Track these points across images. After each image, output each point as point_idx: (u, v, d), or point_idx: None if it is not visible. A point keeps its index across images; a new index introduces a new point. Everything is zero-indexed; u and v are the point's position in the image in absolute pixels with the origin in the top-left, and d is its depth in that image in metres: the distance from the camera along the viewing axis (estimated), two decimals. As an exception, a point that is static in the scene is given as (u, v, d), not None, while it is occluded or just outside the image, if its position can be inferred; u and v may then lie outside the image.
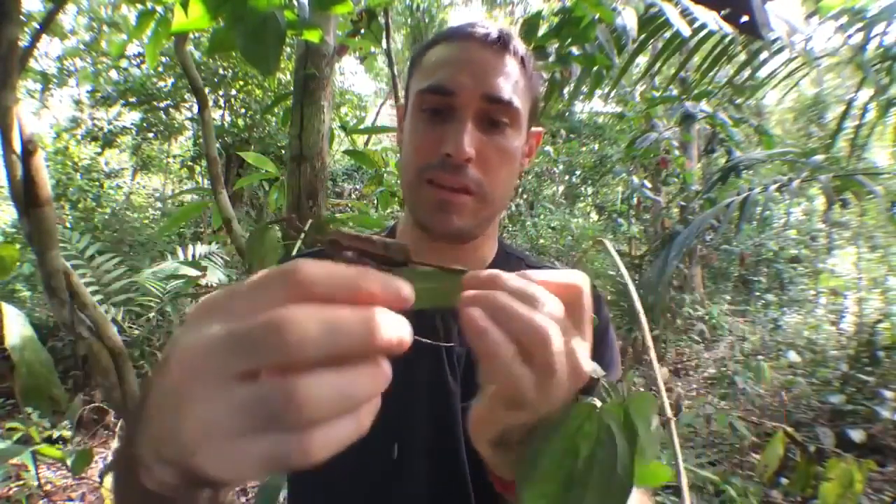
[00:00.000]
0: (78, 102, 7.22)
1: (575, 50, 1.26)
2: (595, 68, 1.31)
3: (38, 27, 1.23)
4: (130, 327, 3.73)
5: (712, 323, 5.50)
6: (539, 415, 0.34)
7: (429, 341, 0.59)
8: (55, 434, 2.93)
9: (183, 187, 8.60)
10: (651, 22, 1.36)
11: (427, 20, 9.57)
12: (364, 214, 2.01)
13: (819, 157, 1.88)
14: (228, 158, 6.78)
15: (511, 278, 0.32)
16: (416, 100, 0.59)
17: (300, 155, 1.58)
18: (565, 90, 1.50)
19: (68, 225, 5.14)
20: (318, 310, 0.23)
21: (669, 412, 0.37)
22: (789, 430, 1.32)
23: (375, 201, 2.07)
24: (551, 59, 1.26)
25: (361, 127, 2.13)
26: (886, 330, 3.75)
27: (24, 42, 1.07)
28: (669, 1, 1.18)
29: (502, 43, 0.58)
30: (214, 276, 3.89)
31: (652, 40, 1.51)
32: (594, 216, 8.66)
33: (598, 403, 0.35)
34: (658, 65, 1.70)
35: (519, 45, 0.60)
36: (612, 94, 4.48)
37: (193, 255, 4.23)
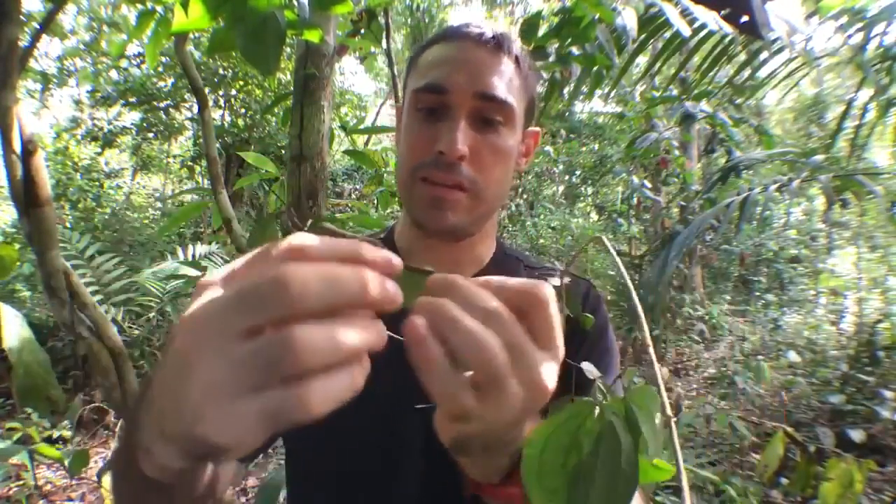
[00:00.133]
0: (78, 102, 7.21)
1: (575, 50, 1.26)
2: (595, 68, 1.31)
3: (38, 27, 1.23)
4: (130, 327, 3.73)
5: (712, 323, 5.50)
6: (495, 429, 0.32)
7: None
8: (55, 434, 2.93)
9: (183, 187, 8.60)
10: (651, 22, 1.36)
11: (427, 20, 9.57)
12: (364, 214, 2.01)
13: (819, 157, 1.87)
14: (228, 158, 6.77)
15: (466, 287, 0.30)
16: (411, 99, 0.60)
17: (300, 155, 1.58)
18: (565, 90, 1.50)
19: (68, 225, 5.14)
20: (317, 266, 0.25)
21: (669, 411, 0.37)
22: (789, 430, 1.32)
23: (375, 201, 2.07)
24: (551, 59, 1.26)
25: (361, 127, 2.13)
26: (886, 330, 3.75)
27: (24, 42, 1.07)
28: (669, 1, 1.18)
29: (497, 42, 0.58)
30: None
31: (652, 40, 1.51)
32: (594, 216, 8.66)
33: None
34: (658, 65, 1.70)
35: (514, 44, 0.60)
36: (612, 94, 4.48)
37: (193, 255, 4.23)
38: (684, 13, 1.14)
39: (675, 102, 2.44)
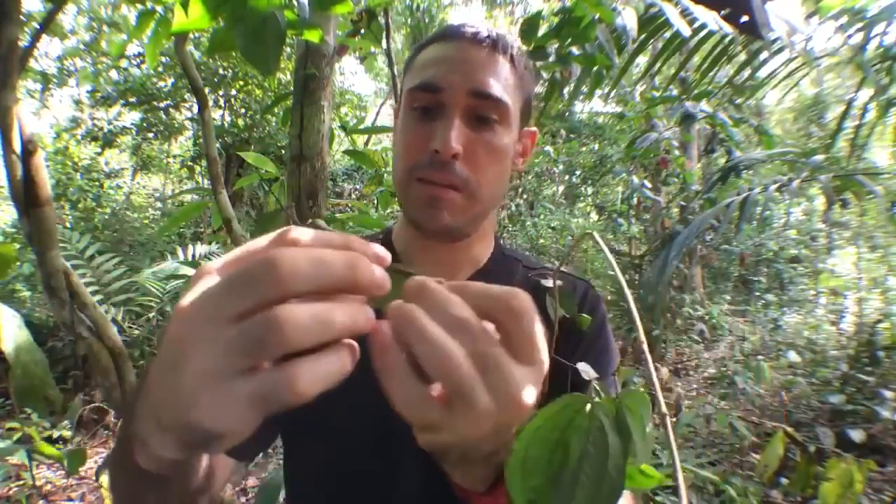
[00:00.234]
0: (78, 102, 7.21)
1: (575, 50, 1.26)
2: (595, 68, 1.31)
3: (38, 27, 1.23)
4: (130, 327, 3.73)
5: (712, 323, 5.50)
6: (469, 442, 0.30)
7: None
8: (55, 434, 2.93)
9: (183, 187, 8.60)
10: (651, 22, 1.35)
11: (427, 20, 9.57)
12: (364, 214, 2.01)
13: (819, 157, 1.87)
14: (228, 158, 6.77)
15: (437, 292, 0.28)
16: (406, 98, 0.60)
17: (300, 155, 1.58)
18: (565, 90, 1.50)
19: (68, 225, 5.15)
20: (307, 249, 0.25)
21: (665, 410, 0.37)
22: (789, 430, 1.32)
23: (375, 201, 2.07)
24: (551, 59, 1.26)
25: (361, 127, 2.13)
26: (886, 330, 3.75)
27: (24, 42, 1.07)
28: (669, 1, 1.18)
29: (492, 42, 0.58)
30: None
31: (652, 40, 1.51)
32: (594, 216, 8.66)
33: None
34: (658, 65, 1.70)
35: (509, 44, 0.60)
36: (612, 94, 4.48)
37: (193, 255, 4.23)
38: (684, 13, 1.14)
39: (675, 102, 2.44)
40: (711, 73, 1.87)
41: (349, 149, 1.92)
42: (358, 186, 7.87)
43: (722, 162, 3.35)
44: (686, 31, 1.13)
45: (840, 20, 1.76)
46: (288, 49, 4.20)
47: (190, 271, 3.55)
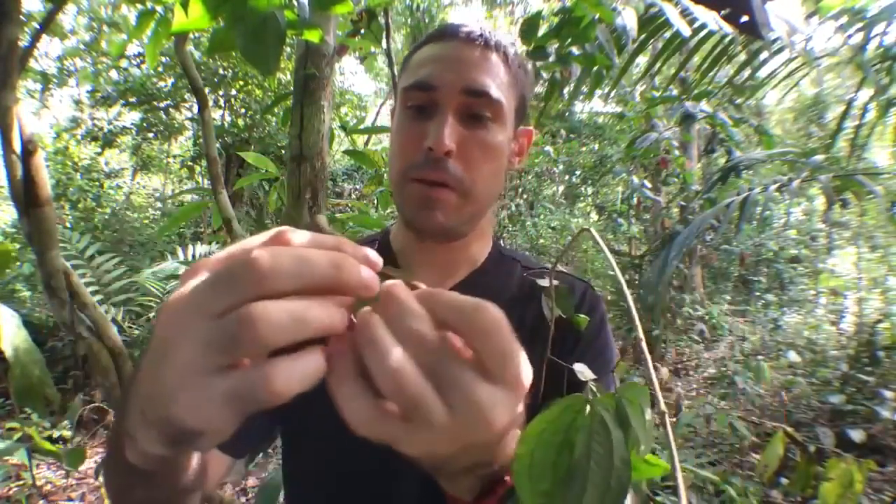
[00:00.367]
0: (78, 102, 7.21)
1: (575, 50, 1.26)
2: (595, 68, 1.31)
3: (38, 27, 1.23)
4: (130, 327, 3.73)
5: (712, 323, 5.50)
6: (436, 457, 0.29)
7: None
8: (55, 434, 2.93)
9: (183, 187, 8.59)
10: (651, 22, 1.36)
11: (427, 20, 9.57)
12: (364, 214, 2.01)
13: (819, 157, 1.87)
14: (228, 158, 6.77)
15: (399, 301, 0.27)
16: (401, 97, 0.60)
17: (300, 155, 1.58)
18: (565, 90, 1.50)
19: (68, 225, 5.15)
20: (293, 248, 0.25)
21: (664, 407, 0.37)
22: (789, 430, 1.32)
23: (375, 201, 2.07)
24: (551, 59, 1.26)
25: (361, 127, 2.13)
26: (886, 330, 3.75)
27: (24, 42, 1.07)
28: (669, 1, 1.18)
29: (484, 40, 0.59)
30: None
31: (652, 40, 1.51)
32: (594, 216, 8.66)
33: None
34: (658, 65, 1.70)
35: (503, 42, 0.60)
36: (612, 94, 4.48)
37: (193, 255, 4.23)
38: (684, 13, 1.14)
39: (675, 102, 2.44)
40: (711, 73, 1.87)
41: (349, 149, 1.92)
42: (358, 186, 7.86)
43: (722, 162, 3.35)
44: (686, 31, 1.13)
45: (840, 20, 1.76)
46: (288, 49, 4.20)
47: (190, 271, 3.55)
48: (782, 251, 7.10)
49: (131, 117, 7.23)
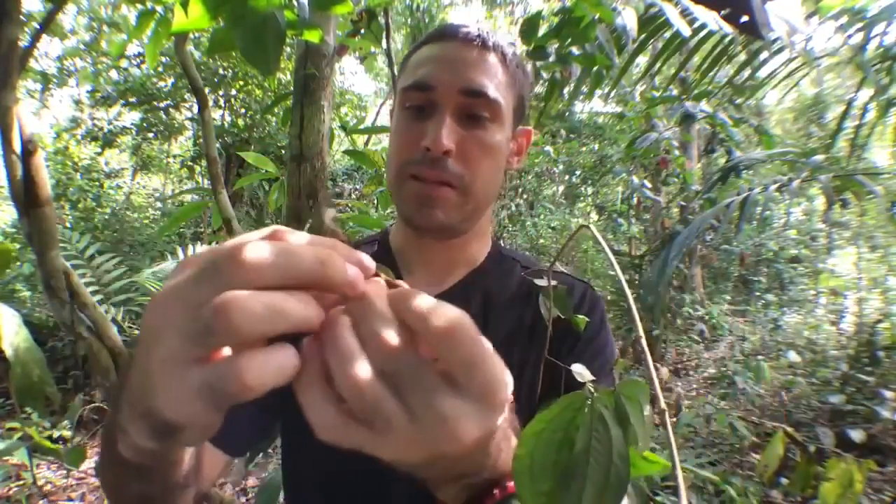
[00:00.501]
0: (78, 102, 7.21)
1: (575, 50, 1.26)
2: (595, 68, 1.31)
3: (38, 27, 1.23)
4: (130, 327, 3.73)
5: (712, 323, 5.50)
6: (407, 465, 0.28)
7: None
8: (55, 434, 2.93)
9: (183, 187, 8.59)
10: (651, 22, 1.36)
11: (427, 20, 9.57)
12: (364, 214, 2.01)
13: (819, 157, 1.87)
14: (228, 158, 6.77)
15: (367, 303, 0.26)
16: (399, 98, 0.61)
17: (300, 155, 1.58)
18: (565, 90, 1.50)
19: (68, 225, 5.15)
20: (280, 243, 0.25)
21: (663, 405, 0.37)
22: (789, 430, 1.32)
23: (375, 201, 2.07)
24: (551, 59, 1.26)
25: (361, 127, 2.13)
26: (886, 330, 3.75)
27: (24, 42, 1.07)
28: (669, 1, 1.18)
29: (482, 41, 0.59)
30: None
31: (652, 40, 1.51)
32: (594, 216, 8.65)
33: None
34: (658, 65, 1.70)
35: (501, 43, 0.61)
36: (612, 94, 4.48)
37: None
38: (684, 13, 1.14)
39: (675, 102, 2.44)
40: (711, 73, 1.87)
41: (349, 149, 1.92)
42: (358, 186, 7.86)
43: (722, 162, 3.35)
44: (686, 31, 1.13)
45: (840, 20, 1.76)
46: (288, 49, 4.20)
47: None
48: (782, 251, 7.10)
49: (131, 117, 7.24)
